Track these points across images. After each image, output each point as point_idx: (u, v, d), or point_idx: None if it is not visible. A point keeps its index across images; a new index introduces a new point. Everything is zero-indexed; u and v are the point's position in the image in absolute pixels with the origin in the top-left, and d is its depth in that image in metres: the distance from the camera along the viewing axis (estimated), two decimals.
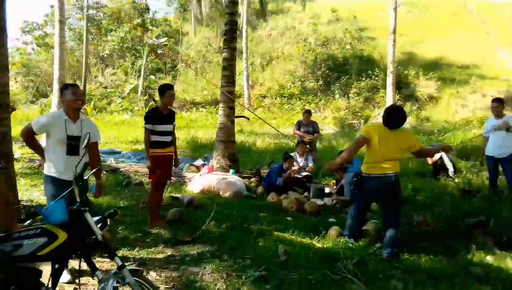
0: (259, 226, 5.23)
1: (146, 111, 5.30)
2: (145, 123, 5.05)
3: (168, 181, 5.57)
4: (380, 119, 4.60)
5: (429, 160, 8.79)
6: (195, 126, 18.24)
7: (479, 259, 4.09)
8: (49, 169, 3.63)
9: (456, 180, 7.75)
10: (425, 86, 20.36)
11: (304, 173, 7.84)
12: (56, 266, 2.40)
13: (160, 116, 5.11)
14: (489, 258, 4.12)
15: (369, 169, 4.32)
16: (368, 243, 4.53)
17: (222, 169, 8.38)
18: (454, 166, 8.46)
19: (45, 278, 2.41)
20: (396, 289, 3.38)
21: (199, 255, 4.20)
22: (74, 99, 3.65)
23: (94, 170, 3.22)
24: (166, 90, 5.12)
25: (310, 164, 7.99)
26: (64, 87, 3.77)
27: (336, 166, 4.76)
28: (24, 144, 4.02)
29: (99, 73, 27.27)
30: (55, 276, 2.42)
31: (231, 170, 8.27)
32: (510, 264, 3.95)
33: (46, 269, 2.45)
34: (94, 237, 2.51)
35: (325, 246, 4.49)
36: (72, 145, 3.57)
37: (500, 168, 6.48)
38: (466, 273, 3.77)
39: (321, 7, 30.95)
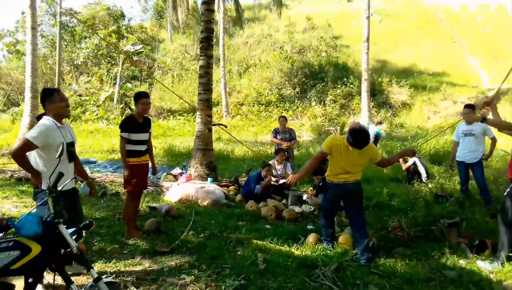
0: (238, 235, 5.21)
1: (122, 119, 5.21)
2: (121, 131, 4.98)
3: (144, 191, 5.50)
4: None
5: (403, 166, 9.00)
6: (172, 134, 18.09)
7: (452, 262, 4.20)
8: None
9: (430, 185, 7.95)
10: (398, 93, 20.87)
11: (282, 181, 7.89)
12: (30, 280, 2.34)
13: (135, 124, 5.03)
14: (462, 262, 4.24)
15: (331, 177, 4.58)
16: (346, 250, 4.59)
17: (200, 177, 8.33)
18: (427, 171, 8.69)
19: None
20: None
21: (177, 265, 4.15)
22: (65, 105, 3.59)
23: (68, 181, 3.12)
24: (141, 98, 5.03)
25: (289, 172, 8.04)
26: (48, 92, 3.58)
27: (297, 179, 4.93)
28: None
29: (73, 81, 26.72)
30: None
31: (209, 179, 8.24)
32: (482, 269, 4.08)
33: (19, 284, 2.38)
34: (69, 249, 2.46)
35: (303, 253, 4.52)
36: (71, 152, 3.50)
37: (471, 173, 6.69)
38: (440, 276, 3.87)
39: (297, 15, 31.39)
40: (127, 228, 5.11)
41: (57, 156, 2.76)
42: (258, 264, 4.14)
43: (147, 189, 6.56)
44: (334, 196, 4.70)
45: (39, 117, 3.57)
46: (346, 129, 9.39)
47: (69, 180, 3.14)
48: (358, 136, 4.30)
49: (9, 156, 3.40)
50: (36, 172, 3.41)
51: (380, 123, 19.03)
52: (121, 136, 4.98)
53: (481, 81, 21.25)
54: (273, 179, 7.85)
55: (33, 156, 3.45)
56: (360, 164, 4.50)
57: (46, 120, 3.47)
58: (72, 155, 3.51)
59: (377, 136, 12.06)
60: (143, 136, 5.10)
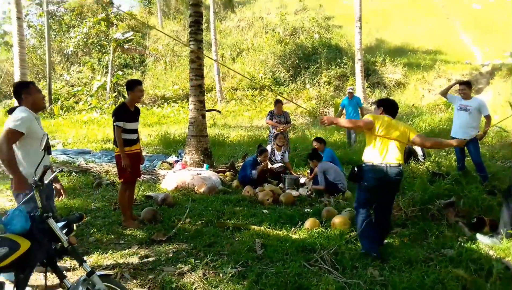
0: (235, 221, 5.18)
1: (114, 108, 5.12)
2: (116, 120, 4.89)
3: (139, 179, 5.44)
4: None
5: None
6: (167, 122, 17.92)
7: (451, 241, 4.19)
8: (32, 174, 3.28)
9: (426, 164, 7.93)
10: (392, 72, 20.71)
11: (279, 164, 7.85)
12: (21, 276, 2.28)
13: (128, 113, 4.98)
14: (460, 240, 4.23)
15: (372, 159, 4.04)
16: (343, 232, 4.57)
17: (196, 164, 8.27)
18: (423, 150, 8.66)
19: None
20: (373, 276, 3.41)
21: (174, 254, 4.12)
22: (43, 97, 3.58)
23: (58, 171, 3.07)
24: (136, 85, 4.98)
25: (286, 158, 8.03)
26: (24, 85, 3.54)
27: (331, 122, 4.07)
28: None
29: (65, 71, 26.33)
30: (20, 286, 2.29)
31: (205, 165, 8.17)
32: (480, 245, 4.07)
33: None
34: (60, 243, 2.40)
35: (301, 237, 4.50)
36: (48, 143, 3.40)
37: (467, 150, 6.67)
38: (439, 256, 3.85)
39: None
40: (124, 218, 5.07)
41: (41, 149, 2.67)
42: (256, 250, 4.12)
43: (141, 178, 6.50)
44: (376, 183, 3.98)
45: (11, 111, 3.43)
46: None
47: (54, 174, 3.06)
48: (391, 101, 4.30)
49: None
50: (19, 172, 3.22)
51: (375, 103, 18.96)
52: (117, 125, 4.88)
53: (474, 57, 21.11)
54: (271, 165, 7.80)
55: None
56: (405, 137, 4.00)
57: (24, 109, 3.36)
58: (49, 148, 3.41)
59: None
60: (135, 125, 5.07)
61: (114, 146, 5.10)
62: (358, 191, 4.17)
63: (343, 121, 4.47)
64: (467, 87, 6.58)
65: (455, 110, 6.77)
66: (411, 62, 21.07)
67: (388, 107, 4.22)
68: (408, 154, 8.76)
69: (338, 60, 21.76)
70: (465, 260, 3.62)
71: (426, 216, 4.97)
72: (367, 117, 4.04)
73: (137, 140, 5.14)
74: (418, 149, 8.61)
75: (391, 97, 19.21)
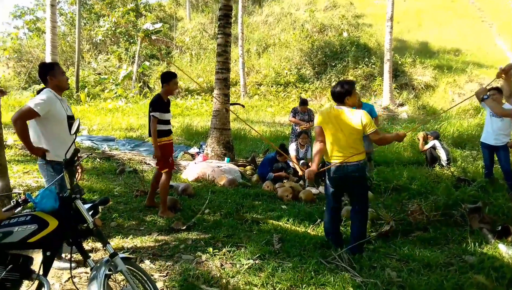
0: (254, 214, 5.21)
1: (151, 98, 5.23)
2: (153, 111, 4.98)
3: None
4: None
5: (420, 146, 8.79)
6: (190, 113, 18.11)
7: (473, 247, 4.10)
8: (56, 154, 3.42)
9: (452, 169, 7.75)
10: (421, 74, 20.27)
11: (302, 161, 7.82)
12: (48, 253, 2.36)
13: (164, 104, 5.12)
14: (483, 247, 4.13)
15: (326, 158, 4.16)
16: None
17: (217, 157, 8.34)
18: (448, 155, 8.45)
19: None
20: (390, 277, 3.38)
21: (193, 243, 4.18)
22: (66, 79, 3.69)
23: (88, 155, 3.18)
24: (172, 78, 5.12)
25: (308, 154, 7.96)
26: (49, 66, 3.64)
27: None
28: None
29: (92, 59, 26.90)
30: (47, 263, 2.37)
31: (226, 158, 8.23)
32: (503, 253, 3.96)
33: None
34: (85, 224, 2.47)
35: (319, 234, 4.48)
36: (71, 125, 3.51)
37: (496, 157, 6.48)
38: (460, 261, 3.78)
39: None
40: (162, 208, 5.13)
41: (72, 133, 2.75)
42: (274, 244, 4.13)
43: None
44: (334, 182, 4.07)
45: (39, 92, 3.63)
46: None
47: (83, 157, 3.16)
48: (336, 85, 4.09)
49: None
50: (31, 144, 3.42)
51: (402, 105, 18.59)
52: (153, 115, 4.96)
53: (508, 62, 20.48)
54: (295, 163, 7.74)
55: (33, 130, 3.48)
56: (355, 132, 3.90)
57: (48, 92, 3.50)
58: (70, 129, 3.52)
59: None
60: (169, 116, 5.22)
61: (149, 137, 5.20)
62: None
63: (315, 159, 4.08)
64: (497, 92, 6.38)
65: (486, 116, 6.58)
66: (442, 64, 20.56)
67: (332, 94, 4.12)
68: (432, 158, 8.59)
69: (366, 59, 21.44)
70: (486, 267, 3.53)
71: (449, 221, 4.87)
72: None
73: (171, 131, 5.28)
74: (442, 154, 8.42)
75: (419, 100, 18.86)
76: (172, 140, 5.32)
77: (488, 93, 6.41)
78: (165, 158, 5.11)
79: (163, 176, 5.14)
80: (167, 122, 5.16)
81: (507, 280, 3.36)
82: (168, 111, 5.18)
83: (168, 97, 5.26)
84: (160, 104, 5.04)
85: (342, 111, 3.96)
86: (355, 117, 3.89)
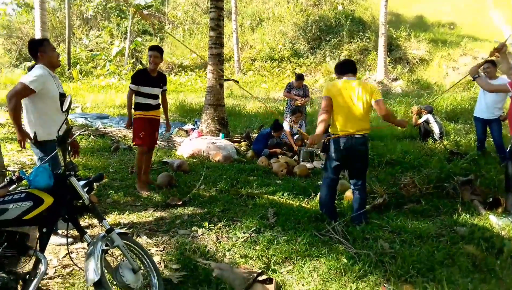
0: (249, 189, 5.25)
1: (135, 71, 5.19)
2: (131, 83, 5.00)
3: (155, 145, 5.51)
4: (371, 82, 4.51)
5: (413, 121, 8.83)
6: (184, 90, 17.97)
7: (464, 219, 4.18)
8: (48, 132, 3.35)
9: (444, 143, 7.82)
10: (416, 48, 20.15)
11: (296, 136, 7.85)
12: (44, 230, 2.38)
13: (147, 78, 5.02)
14: (474, 218, 4.22)
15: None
16: None
17: (211, 133, 8.33)
18: (440, 129, 8.51)
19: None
20: (383, 248, 3.45)
21: (189, 218, 4.23)
22: (57, 55, 3.62)
23: (81, 131, 3.16)
24: (149, 50, 5.05)
25: (303, 130, 7.97)
26: (39, 42, 3.54)
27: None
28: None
29: (84, 35, 26.39)
30: (43, 239, 2.40)
31: (221, 134, 8.23)
32: (493, 224, 4.05)
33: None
34: (81, 201, 2.49)
35: (314, 208, 4.54)
36: (62, 102, 3.48)
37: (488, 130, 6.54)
38: (451, 232, 3.86)
39: None
40: (137, 181, 5.16)
41: (64, 110, 2.72)
42: (269, 218, 4.19)
43: (158, 145, 6.60)
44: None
45: (30, 69, 3.53)
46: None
47: (76, 134, 3.14)
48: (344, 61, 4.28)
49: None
50: (20, 125, 3.34)
51: (396, 79, 18.54)
52: (130, 87, 5.02)
53: (503, 36, 20.32)
54: (290, 138, 7.77)
55: (25, 109, 3.42)
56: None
57: (41, 68, 3.43)
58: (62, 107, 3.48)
59: None
60: (154, 90, 5.08)
61: (133, 110, 5.16)
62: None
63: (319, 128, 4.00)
64: (491, 65, 6.35)
65: (480, 90, 6.59)
66: (436, 38, 20.40)
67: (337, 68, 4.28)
68: (425, 132, 8.65)
69: (361, 33, 21.23)
70: (477, 238, 3.62)
71: (441, 193, 4.96)
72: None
73: (155, 106, 5.16)
74: (435, 128, 8.47)
75: (413, 75, 18.81)
76: (154, 116, 5.17)
77: (483, 66, 6.44)
78: (136, 131, 5.04)
79: (137, 150, 5.17)
80: (148, 96, 5.02)
81: (497, 249, 3.45)
82: (153, 86, 5.04)
83: (160, 71, 5.17)
84: (139, 77, 5.00)
85: (355, 82, 4.02)
86: (364, 88, 3.97)
